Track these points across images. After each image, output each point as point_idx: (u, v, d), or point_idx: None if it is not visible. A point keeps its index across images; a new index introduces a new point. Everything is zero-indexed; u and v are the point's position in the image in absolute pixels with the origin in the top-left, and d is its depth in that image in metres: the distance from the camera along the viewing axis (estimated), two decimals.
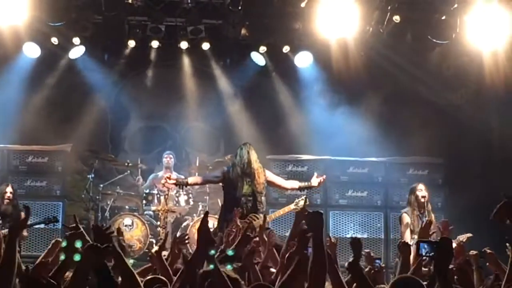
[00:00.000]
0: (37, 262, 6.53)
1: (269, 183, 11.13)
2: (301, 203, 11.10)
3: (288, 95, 14.79)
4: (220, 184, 11.16)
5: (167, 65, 14.67)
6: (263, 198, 10.82)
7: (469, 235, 10.36)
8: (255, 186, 10.74)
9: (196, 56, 14.36)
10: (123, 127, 15.31)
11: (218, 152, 15.09)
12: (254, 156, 10.82)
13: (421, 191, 10.66)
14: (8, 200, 11.59)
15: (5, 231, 10.71)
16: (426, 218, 10.37)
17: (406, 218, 10.56)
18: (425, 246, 5.17)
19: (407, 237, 10.35)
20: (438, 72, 13.71)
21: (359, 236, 12.87)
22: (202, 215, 12.96)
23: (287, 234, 12.52)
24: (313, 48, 13.45)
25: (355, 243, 5.57)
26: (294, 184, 11.27)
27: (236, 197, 10.70)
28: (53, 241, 7.13)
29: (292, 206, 11.06)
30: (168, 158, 13.89)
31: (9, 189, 11.73)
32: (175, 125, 15.38)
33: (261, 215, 10.66)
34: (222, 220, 10.64)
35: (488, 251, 7.59)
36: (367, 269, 7.14)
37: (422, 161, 13.59)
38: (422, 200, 10.58)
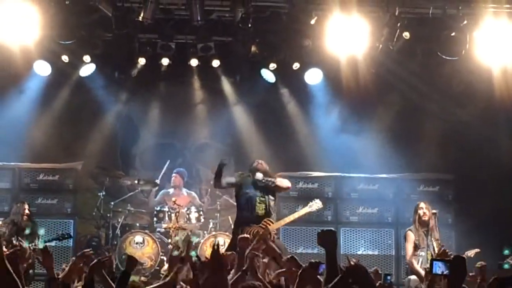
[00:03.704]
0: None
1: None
2: (315, 206, 11.19)
3: (298, 112, 14.81)
4: (234, 192, 11.48)
5: (177, 82, 14.70)
6: (272, 202, 11.00)
7: (477, 250, 10.52)
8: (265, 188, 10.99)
9: (206, 73, 14.38)
10: (133, 144, 15.29)
11: (229, 169, 15.03)
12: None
13: (422, 209, 10.80)
14: (26, 217, 11.69)
15: (25, 245, 10.88)
16: (430, 236, 10.54)
17: (411, 236, 10.70)
18: (440, 264, 5.18)
19: (410, 253, 10.58)
20: (447, 89, 13.73)
21: (370, 253, 12.99)
22: (213, 232, 12.99)
23: (299, 251, 12.71)
24: (323, 65, 13.44)
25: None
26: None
27: (248, 196, 10.98)
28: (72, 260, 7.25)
29: (307, 209, 11.17)
30: (174, 178, 13.86)
31: (26, 206, 11.84)
32: (185, 142, 15.36)
33: (274, 221, 10.81)
34: (236, 227, 10.89)
35: None
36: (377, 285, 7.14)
37: (433, 178, 13.59)
38: (424, 218, 10.71)
